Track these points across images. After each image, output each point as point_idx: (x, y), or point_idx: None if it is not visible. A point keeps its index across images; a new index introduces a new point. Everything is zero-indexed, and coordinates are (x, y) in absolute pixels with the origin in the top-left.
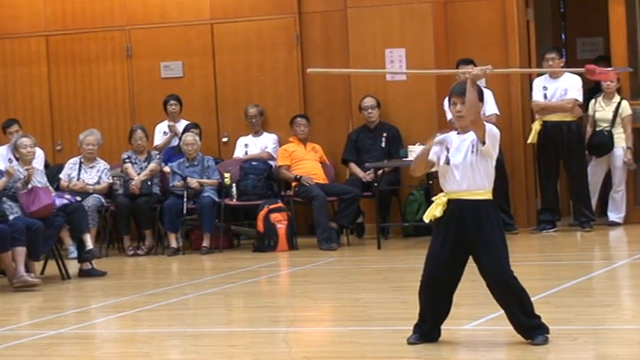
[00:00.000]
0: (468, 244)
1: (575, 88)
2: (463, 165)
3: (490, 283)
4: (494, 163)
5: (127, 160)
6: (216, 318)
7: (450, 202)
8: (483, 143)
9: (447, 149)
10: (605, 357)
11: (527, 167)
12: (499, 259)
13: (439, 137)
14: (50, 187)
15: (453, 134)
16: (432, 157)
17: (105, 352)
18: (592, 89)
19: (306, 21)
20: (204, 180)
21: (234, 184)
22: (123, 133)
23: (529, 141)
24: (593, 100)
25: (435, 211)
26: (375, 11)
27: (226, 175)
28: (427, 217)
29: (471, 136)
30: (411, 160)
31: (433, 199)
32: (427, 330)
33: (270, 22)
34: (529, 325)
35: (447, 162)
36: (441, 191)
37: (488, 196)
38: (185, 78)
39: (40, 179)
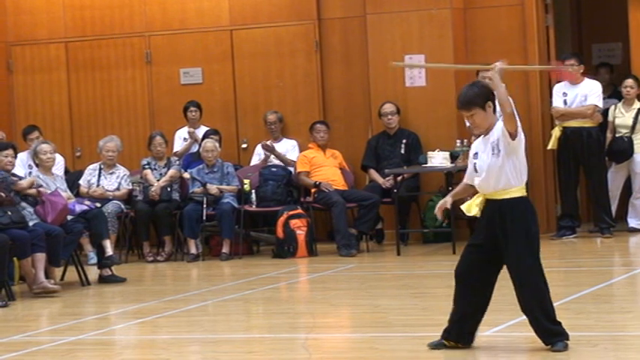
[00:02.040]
0: (499, 241)
1: (595, 94)
2: (488, 167)
3: (513, 275)
4: (521, 158)
5: (147, 167)
6: (235, 324)
7: (485, 201)
8: (513, 138)
9: (476, 155)
10: None
11: (547, 173)
12: (525, 249)
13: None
14: (69, 192)
15: (479, 140)
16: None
17: (124, 358)
18: (609, 96)
19: (325, 27)
20: (224, 186)
21: (253, 191)
22: (142, 139)
23: (549, 147)
24: (613, 107)
25: (472, 207)
26: (395, 17)
27: (246, 181)
28: (465, 209)
29: (492, 136)
30: (431, 167)
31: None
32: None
33: (290, 28)
34: (550, 331)
35: (476, 169)
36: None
37: (521, 192)
38: (204, 84)
39: (59, 184)
